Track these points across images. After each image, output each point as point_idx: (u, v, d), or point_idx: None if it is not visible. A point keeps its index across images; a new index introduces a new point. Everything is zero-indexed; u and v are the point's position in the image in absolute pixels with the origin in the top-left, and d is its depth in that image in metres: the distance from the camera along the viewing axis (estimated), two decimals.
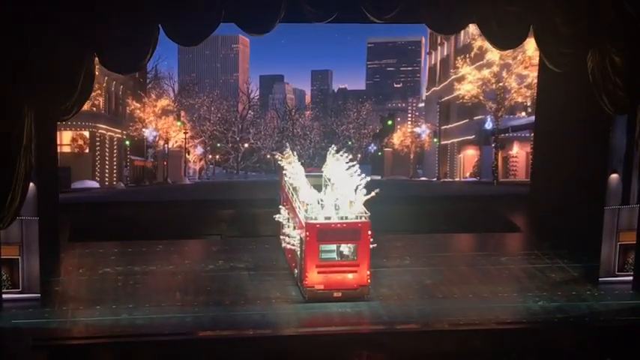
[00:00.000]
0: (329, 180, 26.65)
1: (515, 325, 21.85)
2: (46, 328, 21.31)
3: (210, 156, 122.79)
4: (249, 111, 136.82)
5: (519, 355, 19.95)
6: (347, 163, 25.90)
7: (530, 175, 32.70)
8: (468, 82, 65.90)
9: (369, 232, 23.57)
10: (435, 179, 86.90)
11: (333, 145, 29.38)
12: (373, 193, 24.07)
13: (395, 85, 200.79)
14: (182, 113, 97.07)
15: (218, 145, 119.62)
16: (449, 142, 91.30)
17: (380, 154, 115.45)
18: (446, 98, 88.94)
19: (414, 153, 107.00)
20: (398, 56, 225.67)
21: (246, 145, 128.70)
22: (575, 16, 22.84)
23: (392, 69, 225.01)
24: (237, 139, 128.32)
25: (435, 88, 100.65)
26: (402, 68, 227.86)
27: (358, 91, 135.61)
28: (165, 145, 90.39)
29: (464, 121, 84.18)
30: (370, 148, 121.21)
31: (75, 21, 20.00)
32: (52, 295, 23.77)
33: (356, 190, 24.33)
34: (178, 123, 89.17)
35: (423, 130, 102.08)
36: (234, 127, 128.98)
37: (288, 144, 30.41)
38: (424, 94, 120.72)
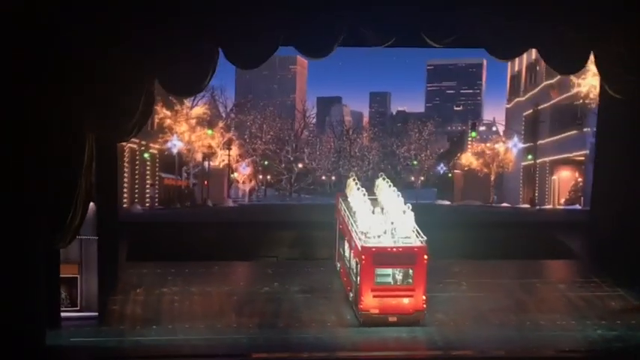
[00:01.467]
0: (380, 204, 26.75)
1: (574, 353, 21.47)
2: (104, 347, 21.55)
3: (261, 176, 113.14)
4: (304, 130, 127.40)
5: None
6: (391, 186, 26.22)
7: (591, 200, 32.12)
8: (593, 75, 44.55)
9: (425, 257, 23.43)
10: (524, 205, 71.78)
11: (381, 173, 29.64)
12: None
13: (455, 108, 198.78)
14: (221, 125, 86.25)
15: (266, 162, 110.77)
16: (539, 160, 73.97)
17: (450, 175, 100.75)
18: (542, 106, 72.00)
19: (495, 174, 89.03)
20: (458, 79, 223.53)
21: (300, 165, 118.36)
22: (637, 42, 22.50)
23: (452, 92, 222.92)
24: (291, 158, 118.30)
25: (519, 99, 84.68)
26: (462, 91, 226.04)
27: (417, 113, 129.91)
28: (207, 162, 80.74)
29: (566, 134, 67.82)
30: (439, 168, 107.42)
31: (135, 44, 20.27)
32: (109, 314, 24.06)
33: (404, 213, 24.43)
34: (209, 132, 77.44)
35: (515, 144, 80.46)
36: (287, 146, 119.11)
37: (353, 174, 30.20)
38: (505, 105, 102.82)
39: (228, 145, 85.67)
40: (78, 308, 23.24)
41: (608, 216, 29.58)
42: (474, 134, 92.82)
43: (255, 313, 24.45)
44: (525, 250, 32.21)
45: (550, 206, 69.03)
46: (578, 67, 24.03)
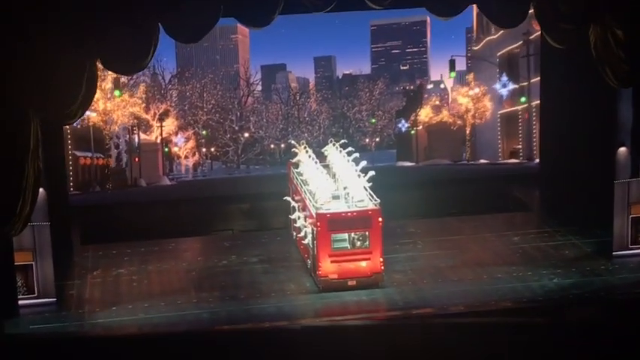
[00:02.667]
0: (331, 170, 26.87)
1: (532, 303, 21.81)
2: (64, 332, 21.35)
3: (204, 149, 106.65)
4: (249, 97, 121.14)
5: (536, 331, 19.88)
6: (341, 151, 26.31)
7: (539, 152, 32.52)
8: None
9: (380, 219, 23.57)
10: (509, 160, 63.67)
11: (331, 139, 29.68)
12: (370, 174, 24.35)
13: (402, 68, 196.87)
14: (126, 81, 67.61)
15: (204, 132, 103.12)
16: (520, 108, 65.68)
17: (412, 133, 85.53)
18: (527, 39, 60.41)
19: (470, 127, 77.18)
20: (403, 37, 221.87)
21: (246, 134, 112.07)
22: None
23: (397, 51, 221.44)
24: (236, 128, 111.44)
25: (490, 38, 73.51)
26: (407, 50, 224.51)
27: (364, 75, 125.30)
28: (135, 137, 70.12)
29: None
30: (400, 126, 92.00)
31: (75, 24, 19.96)
32: (68, 298, 23.89)
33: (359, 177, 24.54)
34: (117, 93, 61.08)
35: (505, 83, 67.84)
36: (231, 115, 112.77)
37: (303, 142, 29.89)
38: (472, 48, 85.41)
39: (162, 117, 78.81)
40: (35, 295, 23.01)
41: (557, 167, 30.02)
42: (453, 74, 77.46)
43: (215, 287, 24.44)
44: (478, 205, 32.59)
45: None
46: (520, 19, 24.15)
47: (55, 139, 26.21)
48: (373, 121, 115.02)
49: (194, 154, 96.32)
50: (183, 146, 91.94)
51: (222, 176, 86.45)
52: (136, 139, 69.85)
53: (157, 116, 78.84)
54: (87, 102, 21.72)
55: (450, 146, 78.39)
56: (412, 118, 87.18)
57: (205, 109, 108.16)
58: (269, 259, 26.93)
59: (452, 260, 25.94)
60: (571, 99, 28.27)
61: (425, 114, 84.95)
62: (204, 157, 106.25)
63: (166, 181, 68.67)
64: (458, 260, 25.94)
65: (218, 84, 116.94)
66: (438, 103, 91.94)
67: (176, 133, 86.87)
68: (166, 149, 79.15)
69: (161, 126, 77.44)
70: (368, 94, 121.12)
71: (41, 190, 21.60)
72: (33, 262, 23.03)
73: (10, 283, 22.15)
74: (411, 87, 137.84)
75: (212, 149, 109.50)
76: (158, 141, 76.48)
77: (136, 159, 68.77)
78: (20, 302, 22.63)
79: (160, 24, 21.47)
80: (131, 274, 26.14)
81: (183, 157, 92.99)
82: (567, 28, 23.29)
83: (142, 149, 70.07)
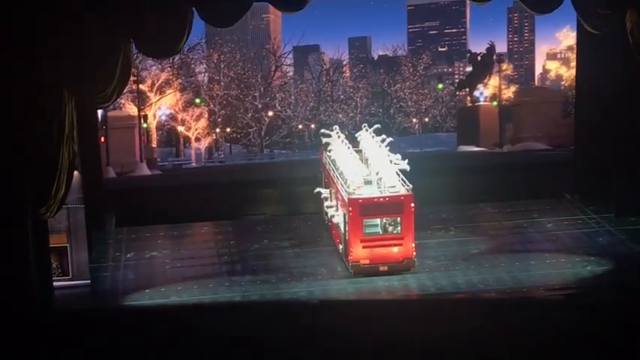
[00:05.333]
0: (364, 155, 26.85)
1: (565, 291, 21.68)
2: (98, 314, 21.47)
3: (218, 130, 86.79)
4: (276, 71, 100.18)
5: (570, 319, 19.76)
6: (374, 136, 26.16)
7: (574, 138, 32.15)
8: None
9: (412, 205, 23.52)
10: None
11: (364, 125, 29.48)
12: (405, 165, 24.25)
13: (440, 49, 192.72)
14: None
15: (197, 100, 79.48)
16: None
17: (495, 104, 63.53)
18: None
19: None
20: (441, 18, 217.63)
21: (270, 113, 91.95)
22: None
23: (435, 32, 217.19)
24: (259, 106, 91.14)
25: None
26: (446, 31, 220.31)
27: (400, 57, 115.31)
28: (100, 110, 41.90)
29: None
30: (478, 95, 63.27)
31: (111, 8, 20.08)
32: (101, 280, 24.09)
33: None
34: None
35: None
36: (254, 90, 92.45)
37: (336, 127, 29.22)
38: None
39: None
40: (70, 277, 23.24)
41: (593, 153, 29.68)
42: (440, 86, 74.94)
43: (247, 271, 24.58)
44: (511, 191, 32.30)
45: None
46: (555, 5, 23.96)
47: (90, 123, 26.40)
48: (440, 86, 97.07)
49: (207, 136, 79.31)
50: (193, 126, 75.97)
51: (239, 162, 70.83)
52: (99, 112, 40.36)
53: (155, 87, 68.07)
54: (122, 85, 21.90)
55: (546, 126, 55.63)
56: (485, 89, 65.16)
57: (222, 83, 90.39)
58: (300, 244, 26.99)
59: (484, 246, 25.83)
60: (607, 86, 27.96)
61: (494, 84, 66.66)
62: (220, 139, 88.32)
63: (145, 170, 50.12)
64: (490, 246, 25.82)
65: (238, 52, 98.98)
66: (510, 72, 78.37)
67: (183, 110, 73.23)
68: (144, 125, 59.30)
69: (138, 90, 60.21)
70: (411, 69, 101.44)
71: (76, 172, 21.78)
72: (67, 245, 23.24)
73: (45, 264, 22.32)
74: (449, 69, 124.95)
75: (228, 130, 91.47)
76: (127, 115, 57.28)
77: (102, 139, 44.02)
78: (55, 284, 22.85)
79: (193, 8, 21.53)
80: (164, 257, 26.32)
81: (193, 138, 76.81)
82: (605, 14, 23.06)
83: (109, 126, 51.44)
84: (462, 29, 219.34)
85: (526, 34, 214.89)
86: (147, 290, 23.17)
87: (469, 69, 71.61)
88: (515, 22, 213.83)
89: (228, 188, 36.68)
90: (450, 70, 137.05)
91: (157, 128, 73.02)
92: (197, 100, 72.07)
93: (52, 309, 21.21)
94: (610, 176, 27.79)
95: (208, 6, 21.70)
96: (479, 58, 64.88)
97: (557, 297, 21.40)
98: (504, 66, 75.72)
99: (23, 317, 19.59)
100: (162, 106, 70.61)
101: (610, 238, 26.12)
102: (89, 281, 23.49)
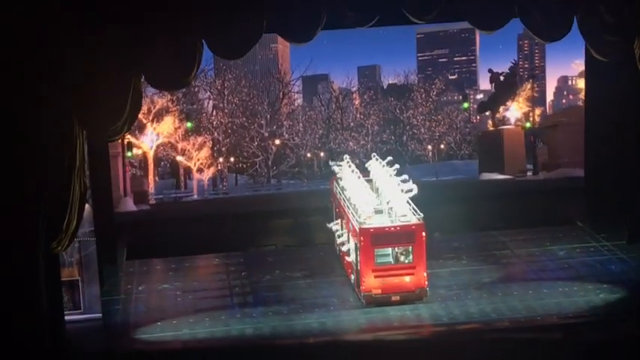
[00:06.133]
0: (375, 185, 26.89)
1: (578, 319, 21.54)
2: (110, 347, 21.54)
3: (221, 159, 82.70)
4: (284, 98, 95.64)
5: (584, 348, 19.64)
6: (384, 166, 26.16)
7: (585, 165, 32.08)
8: None
9: (424, 234, 23.47)
10: None
11: (374, 154, 29.55)
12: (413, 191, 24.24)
13: (450, 77, 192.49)
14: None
15: (188, 124, 74.55)
16: None
17: (527, 127, 62.58)
18: None
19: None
20: (450, 46, 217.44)
21: (277, 142, 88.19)
22: (620, 3, 22.49)
23: (445, 60, 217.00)
24: (265, 134, 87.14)
25: None
26: (455, 58, 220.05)
27: (412, 84, 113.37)
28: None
29: None
30: (509, 115, 59.85)
31: (120, 41, 20.17)
32: (113, 314, 24.05)
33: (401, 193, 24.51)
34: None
35: None
36: (260, 118, 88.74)
37: (347, 157, 29.21)
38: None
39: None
40: (81, 311, 23.20)
41: (603, 180, 29.61)
42: (466, 105, 69.18)
43: (259, 302, 24.52)
44: (523, 218, 32.20)
45: None
46: (563, 33, 23.95)
47: (101, 155, 26.47)
48: (466, 105, 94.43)
49: (209, 166, 75.86)
50: (194, 156, 72.37)
51: (245, 194, 67.20)
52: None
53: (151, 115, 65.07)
54: (132, 118, 21.93)
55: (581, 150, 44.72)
56: (516, 110, 62.53)
57: (226, 110, 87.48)
58: (312, 274, 26.93)
59: (496, 275, 25.72)
60: (618, 111, 27.91)
61: (517, 107, 63.42)
62: (224, 170, 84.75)
63: (129, 206, 43.96)
64: (502, 275, 25.70)
65: (243, 79, 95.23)
66: (534, 93, 71.73)
67: (182, 139, 70.00)
68: (129, 154, 53.06)
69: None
70: (424, 95, 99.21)
71: (87, 205, 21.83)
72: (79, 278, 23.23)
73: (57, 298, 22.28)
74: (460, 97, 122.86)
75: (232, 159, 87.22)
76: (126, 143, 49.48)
77: (127, 169, 46.83)
78: (66, 318, 22.79)
79: (203, 40, 21.62)
80: (176, 289, 26.28)
81: (195, 169, 73.42)
82: (612, 41, 23.05)
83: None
84: (472, 57, 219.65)
85: (536, 61, 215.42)
86: (159, 323, 23.10)
87: (480, 96, 69.56)
88: (526, 49, 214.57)
89: (237, 219, 36.66)
90: (460, 97, 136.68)
91: (158, 159, 70.15)
92: (188, 124, 69.26)
93: (63, 344, 21.20)
94: (621, 203, 27.69)
95: (218, 38, 21.77)
96: (501, 78, 59.93)
97: (572, 322, 21.30)
98: (529, 85, 72.13)
99: (36, 353, 19.62)
100: (160, 135, 67.36)
101: (622, 266, 26.00)
102: (101, 315, 23.43)
